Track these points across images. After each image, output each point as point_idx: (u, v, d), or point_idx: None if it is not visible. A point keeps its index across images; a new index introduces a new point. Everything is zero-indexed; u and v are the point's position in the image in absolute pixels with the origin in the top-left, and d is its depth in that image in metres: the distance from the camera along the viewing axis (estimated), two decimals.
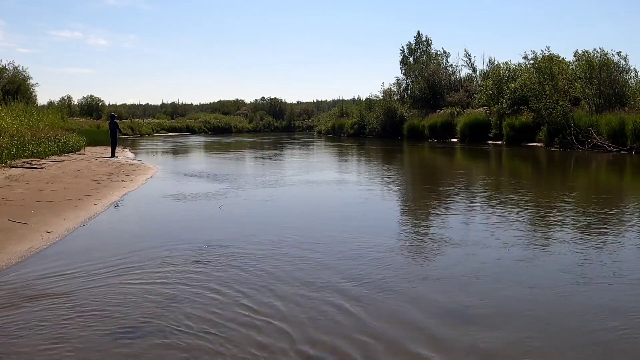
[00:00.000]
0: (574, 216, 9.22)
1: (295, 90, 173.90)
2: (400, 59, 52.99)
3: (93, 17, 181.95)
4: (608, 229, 7.99)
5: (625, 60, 28.60)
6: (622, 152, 23.38)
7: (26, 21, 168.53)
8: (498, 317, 4.48)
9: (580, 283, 5.36)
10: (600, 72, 27.98)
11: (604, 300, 4.88)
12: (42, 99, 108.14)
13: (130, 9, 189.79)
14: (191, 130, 77.07)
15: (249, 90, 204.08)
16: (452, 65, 49.46)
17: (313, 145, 41.03)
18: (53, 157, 19.89)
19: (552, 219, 8.91)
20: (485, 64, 47.48)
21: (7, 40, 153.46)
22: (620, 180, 15.76)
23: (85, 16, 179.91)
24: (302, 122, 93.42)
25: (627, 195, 12.53)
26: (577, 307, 4.74)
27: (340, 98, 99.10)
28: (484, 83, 38.76)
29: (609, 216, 9.05)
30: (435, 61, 49.14)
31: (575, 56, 30.65)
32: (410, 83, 50.31)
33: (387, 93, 50.51)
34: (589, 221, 8.65)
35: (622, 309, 4.65)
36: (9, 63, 47.54)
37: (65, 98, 72.84)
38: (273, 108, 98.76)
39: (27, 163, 16.82)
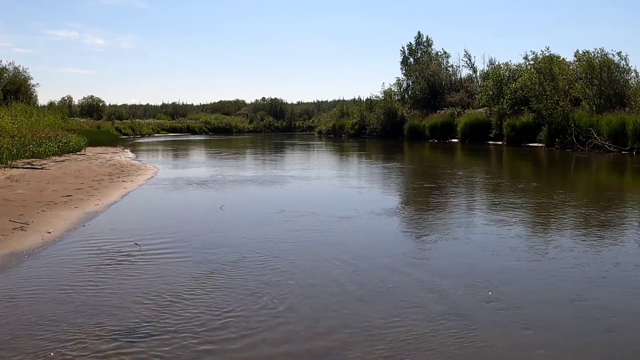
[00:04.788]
0: (576, 215, 9.23)
1: (296, 90, 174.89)
2: (400, 60, 53.13)
3: (89, 16, 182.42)
4: (610, 228, 8.01)
5: (625, 61, 28.63)
6: (622, 152, 23.35)
7: (21, 20, 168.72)
8: None
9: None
10: (600, 72, 27.96)
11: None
12: (42, 99, 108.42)
13: (127, 7, 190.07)
14: (192, 131, 77.15)
15: (250, 91, 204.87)
16: (452, 65, 49.62)
17: (314, 145, 41.03)
18: (54, 158, 19.89)
19: (553, 217, 8.92)
20: (485, 65, 47.60)
21: (4, 40, 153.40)
22: (621, 181, 15.75)
23: (82, 15, 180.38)
24: (302, 123, 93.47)
25: (628, 196, 12.52)
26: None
27: (341, 98, 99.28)
28: (485, 83, 38.76)
29: (610, 216, 9.05)
30: (435, 62, 49.17)
31: (575, 56, 30.69)
32: (410, 83, 50.39)
33: (388, 93, 50.56)
34: (589, 220, 8.66)
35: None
36: (9, 63, 47.63)
37: (66, 98, 73.13)
38: (274, 108, 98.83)
39: (28, 163, 16.82)
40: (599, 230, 8.03)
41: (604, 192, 13.11)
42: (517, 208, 9.99)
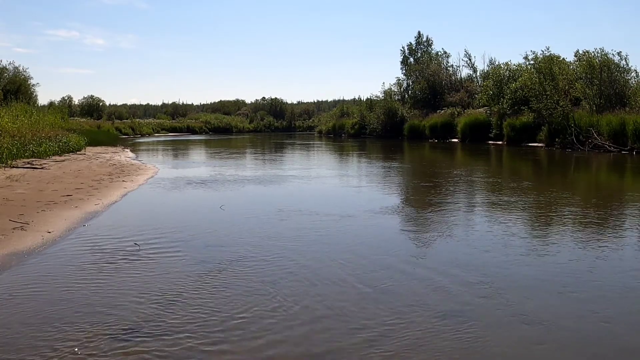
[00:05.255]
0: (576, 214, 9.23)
1: (296, 90, 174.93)
2: (401, 59, 53.16)
3: (89, 16, 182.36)
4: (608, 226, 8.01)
5: (625, 61, 28.61)
6: (622, 152, 23.35)
7: (21, 20, 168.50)
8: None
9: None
10: (600, 72, 27.96)
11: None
12: (42, 99, 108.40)
13: (127, 7, 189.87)
14: (192, 131, 77.12)
15: (250, 91, 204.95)
16: (452, 65, 49.65)
17: (313, 145, 41.03)
18: (54, 157, 19.89)
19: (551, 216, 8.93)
20: (485, 64, 47.61)
21: (3, 39, 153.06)
22: (618, 181, 15.74)
23: (81, 15, 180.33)
24: (302, 123, 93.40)
25: (623, 195, 12.52)
26: None
27: (341, 98, 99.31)
28: (485, 83, 38.77)
29: (603, 214, 9.06)
30: (435, 61, 49.18)
31: (575, 56, 30.67)
32: (410, 83, 50.41)
33: (388, 93, 50.56)
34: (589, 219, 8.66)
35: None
36: (10, 63, 47.63)
37: (66, 98, 73.01)
38: (274, 108, 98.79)
39: (28, 163, 16.82)
40: (593, 227, 8.04)
41: (600, 191, 13.12)
42: (513, 207, 9.99)
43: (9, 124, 21.25)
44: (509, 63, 37.65)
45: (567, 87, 29.50)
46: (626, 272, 5.82)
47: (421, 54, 52.01)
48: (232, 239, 7.45)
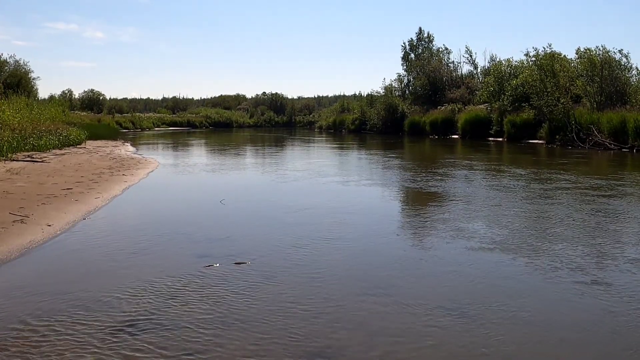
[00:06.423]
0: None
1: (297, 85, 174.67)
2: (401, 55, 53.02)
3: (88, 9, 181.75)
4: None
5: (627, 58, 28.57)
6: (623, 150, 23.36)
7: (20, 13, 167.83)
8: None
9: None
10: (602, 69, 27.93)
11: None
12: (43, 92, 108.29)
13: (127, 0, 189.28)
14: (192, 125, 77.06)
15: (250, 85, 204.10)
16: (453, 61, 49.50)
17: (314, 140, 41.01)
18: (54, 151, 19.89)
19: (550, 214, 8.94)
20: (486, 61, 47.58)
21: (3, 32, 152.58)
22: (621, 177, 15.74)
23: (80, 8, 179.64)
24: (303, 118, 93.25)
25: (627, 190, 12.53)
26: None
27: (342, 94, 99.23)
28: (486, 80, 38.73)
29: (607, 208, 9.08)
30: (436, 57, 49.10)
31: (577, 54, 30.62)
32: (411, 79, 50.33)
33: (388, 89, 50.53)
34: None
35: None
36: (10, 56, 47.56)
37: (67, 92, 72.91)
38: (274, 103, 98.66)
39: (28, 156, 16.82)
40: (581, 224, 8.06)
41: (592, 189, 13.13)
42: (510, 203, 10.01)
43: (10, 118, 21.25)
44: (510, 60, 37.65)
45: (568, 85, 29.46)
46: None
47: (422, 50, 51.91)
48: (232, 234, 7.46)
